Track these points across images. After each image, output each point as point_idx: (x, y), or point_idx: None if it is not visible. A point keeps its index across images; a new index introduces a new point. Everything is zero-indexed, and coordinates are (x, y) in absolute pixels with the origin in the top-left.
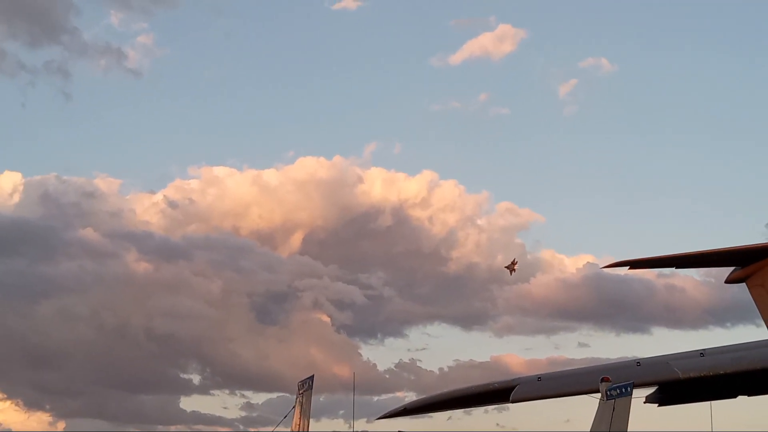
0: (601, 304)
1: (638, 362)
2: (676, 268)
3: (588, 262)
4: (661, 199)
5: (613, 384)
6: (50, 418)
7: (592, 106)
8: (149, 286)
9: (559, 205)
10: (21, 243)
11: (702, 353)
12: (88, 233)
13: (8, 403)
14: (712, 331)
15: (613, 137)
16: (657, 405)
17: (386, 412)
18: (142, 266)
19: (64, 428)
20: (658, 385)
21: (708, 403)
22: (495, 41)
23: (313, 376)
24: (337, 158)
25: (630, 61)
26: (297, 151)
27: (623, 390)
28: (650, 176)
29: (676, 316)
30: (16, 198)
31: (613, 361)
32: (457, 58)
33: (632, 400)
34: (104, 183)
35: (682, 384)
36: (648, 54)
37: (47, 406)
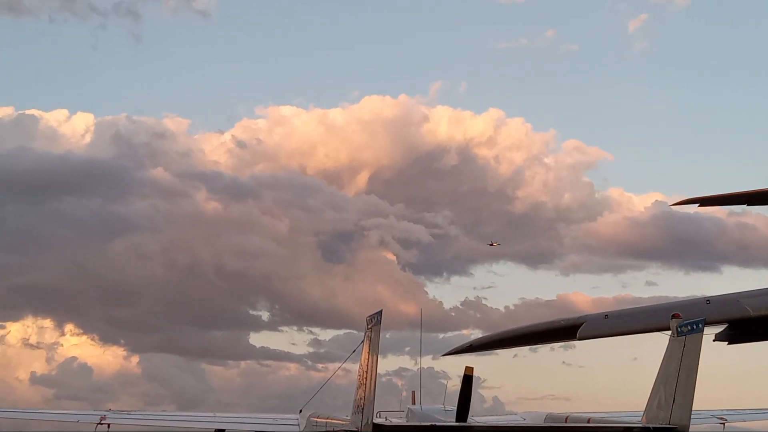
0: (670, 242)
1: (708, 300)
2: (748, 205)
3: (656, 200)
4: (731, 136)
5: (684, 320)
6: (125, 353)
7: (663, 41)
8: (219, 225)
9: (628, 142)
10: (95, 182)
11: None
12: (159, 173)
13: (85, 338)
14: None
15: (683, 73)
16: (727, 343)
17: (452, 348)
18: (211, 205)
19: (138, 362)
20: (728, 323)
21: None
22: None
23: (381, 311)
24: (402, 97)
25: None
26: (362, 90)
27: (695, 326)
28: (721, 112)
29: (747, 255)
30: (88, 138)
31: (682, 299)
32: None
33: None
34: (173, 123)
35: (752, 322)
36: None
37: (122, 341)
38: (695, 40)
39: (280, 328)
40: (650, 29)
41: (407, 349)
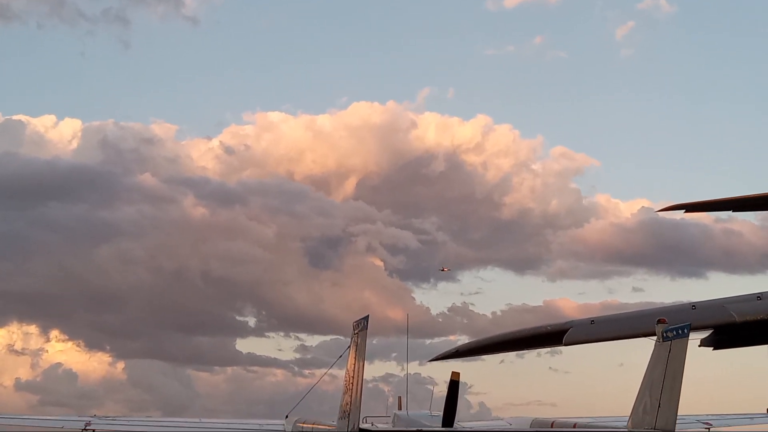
0: (657, 248)
1: (693, 305)
2: (733, 211)
3: (643, 206)
4: (718, 142)
5: (669, 326)
6: (110, 359)
7: (650, 48)
8: (206, 231)
9: (615, 149)
10: (81, 188)
11: (759, 296)
12: (147, 179)
13: (70, 344)
14: None
15: (670, 80)
16: (712, 348)
17: (438, 354)
18: (198, 211)
19: (123, 368)
20: (714, 329)
21: (764, 346)
22: None
23: (368, 316)
24: (390, 103)
25: (689, 2)
26: (350, 96)
27: (680, 332)
28: (707, 118)
29: (733, 261)
30: (75, 144)
31: (667, 305)
32: (512, 0)
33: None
34: (161, 129)
35: (738, 327)
36: None
37: (107, 347)
38: (682, 47)
39: (266, 334)
40: (637, 36)
41: (394, 354)
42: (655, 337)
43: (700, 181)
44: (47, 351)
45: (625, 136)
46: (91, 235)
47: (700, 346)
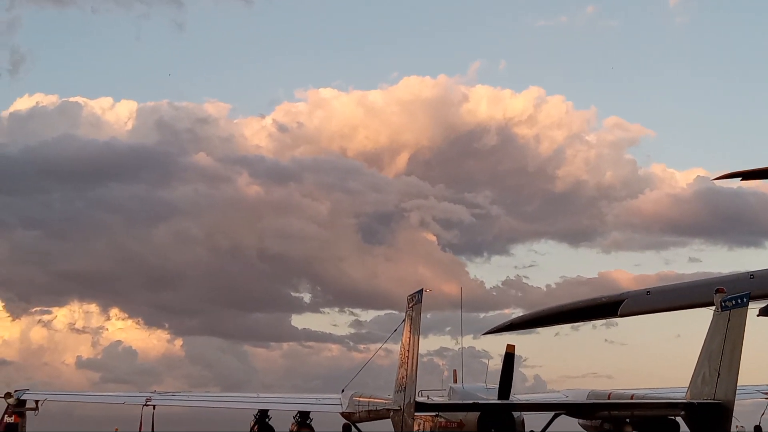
0: (714, 218)
1: (752, 275)
2: None
3: (699, 176)
4: None
5: (728, 295)
6: (169, 336)
7: (704, 16)
8: (260, 208)
9: (670, 118)
10: (139, 168)
11: None
12: (202, 158)
13: (130, 321)
14: None
15: (724, 47)
16: None
17: (492, 327)
18: (253, 189)
19: (181, 345)
20: None
21: None
22: None
23: (422, 289)
24: (441, 77)
25: None
26: (401, 71)
27: (739, 301)
28: (763, 85)
29: None
30: (131, 125)
31: (725, 275)
32: None
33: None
34: (214, 108)
35: None
36: None
37: (166, 325)
38: (736, 14)
39: (321, 309)
40: (691, 3)
41: (448, 329)
42: (713, 307)
43: (757, 149)
44: (107, 329)
45: (680, 105)
46: (148, 215)
47: (759, 315)
